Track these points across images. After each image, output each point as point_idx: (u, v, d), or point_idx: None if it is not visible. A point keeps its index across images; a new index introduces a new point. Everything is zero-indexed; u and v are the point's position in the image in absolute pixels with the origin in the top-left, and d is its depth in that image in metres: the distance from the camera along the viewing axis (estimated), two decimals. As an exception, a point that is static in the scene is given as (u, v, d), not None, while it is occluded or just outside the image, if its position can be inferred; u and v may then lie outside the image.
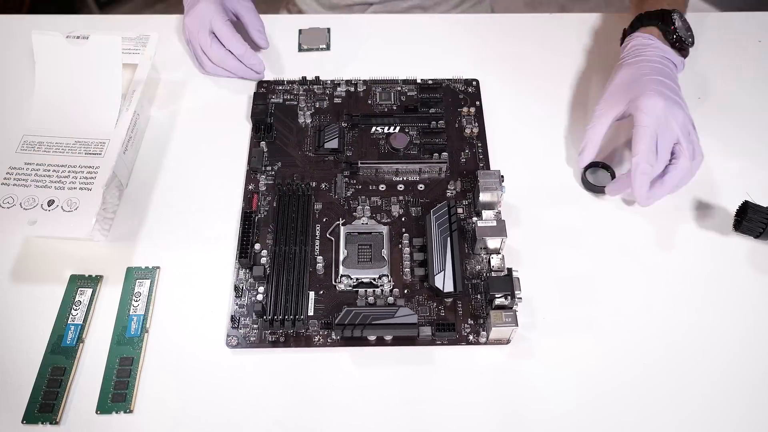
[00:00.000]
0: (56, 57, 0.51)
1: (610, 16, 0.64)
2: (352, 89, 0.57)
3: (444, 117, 0.55)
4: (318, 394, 0.43)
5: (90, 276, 0.48)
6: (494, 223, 0.46)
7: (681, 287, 0.47)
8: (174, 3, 1.66)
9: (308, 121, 0.55)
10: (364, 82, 0.58)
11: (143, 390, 0.43)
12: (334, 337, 0.44)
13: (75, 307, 0.46)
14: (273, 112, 0.56)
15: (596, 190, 0.51)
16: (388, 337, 0.44)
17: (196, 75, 0.61)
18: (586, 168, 0.51)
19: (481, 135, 0.54)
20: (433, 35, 0.63)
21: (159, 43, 0.56)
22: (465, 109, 0.56)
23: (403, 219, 0.49)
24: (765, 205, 0.47)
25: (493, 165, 0.53)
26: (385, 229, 0.48)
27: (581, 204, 0.51)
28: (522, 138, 0.55)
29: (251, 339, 0.44)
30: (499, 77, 0.59)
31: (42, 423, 0.42)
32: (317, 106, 0.56)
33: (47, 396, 0.42)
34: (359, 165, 0.51)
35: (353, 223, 0.49)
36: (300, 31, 0.64)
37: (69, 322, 0.46)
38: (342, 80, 0.58)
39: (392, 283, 0.46)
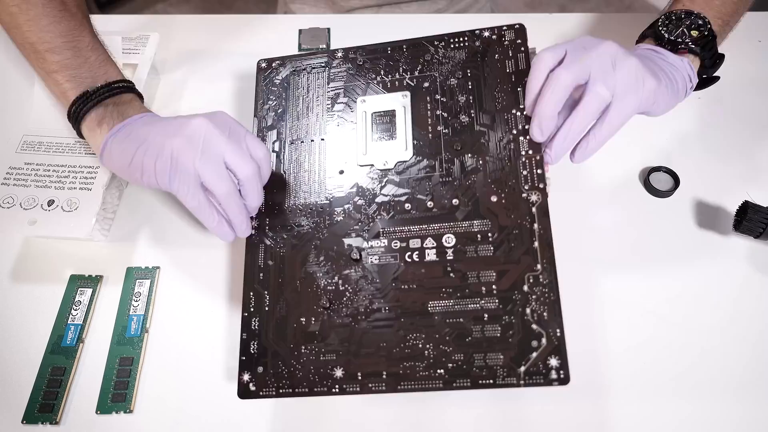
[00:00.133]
0: None
1: (610, 16, 0.64)
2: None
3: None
4: (325, 397, 0.43)
5: (90, 276, 0.48)
6: None
7: (681, 287, 0.47)
8: (174, 3, 1.66)
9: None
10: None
11: (143, 390, 0.43)
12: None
13: (75, 307, 0.46)
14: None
15: None
16: None
17: (196, 75, 0.61)
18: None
19: None
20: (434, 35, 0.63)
21: (159, 43, 0.56)
22: None
23: None
24: (765, 205, 0.47)
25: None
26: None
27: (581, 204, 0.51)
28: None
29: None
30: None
31: (42, 423, 0.42)
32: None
33: (47, 396, 0.42)
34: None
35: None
36: (300, 31, 0.64)
37: (69, 322, 0.46)
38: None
39: None
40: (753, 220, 0.47)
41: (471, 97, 0.44)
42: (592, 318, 0.45)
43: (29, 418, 0.42)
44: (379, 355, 0.38)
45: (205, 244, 0.50)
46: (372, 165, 0.44)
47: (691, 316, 0.45)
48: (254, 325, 0.41)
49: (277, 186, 0.45)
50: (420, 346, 0.38)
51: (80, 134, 0.46)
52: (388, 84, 0.47)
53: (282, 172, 0.45)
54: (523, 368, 0.36)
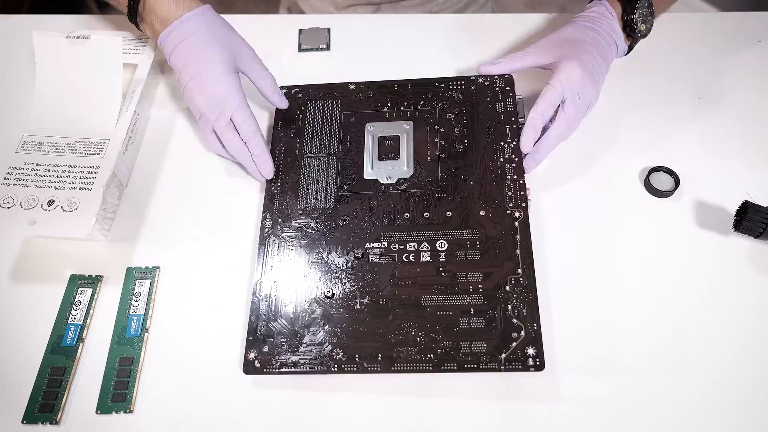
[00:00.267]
0: (57, 57, 0.51)
1: (610, 16, 0.64)
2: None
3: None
4: (323, 394, 0.43)
5: (90, 276, 0.48)
6: None
7: (681, 287, 0.47)
8: (174, 3, 1.66)
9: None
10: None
11: (143, 390, 0.43)
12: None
13: (75, 307, 0.46)
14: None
15: None
16: None
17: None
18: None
19: None
20: (434, 35, 0.63)
21: None
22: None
23: None
24: (765, 205, 0.47)
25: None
26: None
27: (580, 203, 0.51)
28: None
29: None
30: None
31: (42, 423, 0.42)
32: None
33: (47, 396, 0.42)
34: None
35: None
36: (300, 31, 0.64)
37: (69, 322, 0.46)
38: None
39: None
40: (753, 220, 0.47)
41: (465, 130, 0.51)
42: (591, 317, 0.45)
43: (29, 418, 0.42)
44: (375, 341, 0.42)
45: (205, 244, 0.50)
46: (377, 180, 0.49)
47: (691, 316, 0.45)
48: (262, 309, 0.44)
49: (291, 191, 0.50)
50: (413, 333, 0.42)
51: None
52: (394, 114, 0.53)
53: (296, 178, 0.51)
54: (504, 355, 0.41)
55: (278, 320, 0.44)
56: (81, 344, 0.45)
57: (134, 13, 0.52)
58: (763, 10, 0.64)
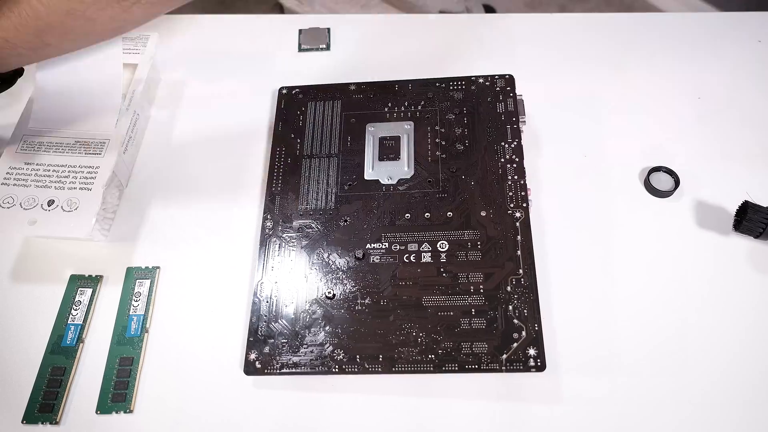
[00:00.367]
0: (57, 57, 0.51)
1: (610, 16, 0.64)
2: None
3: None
4: (324, 395, 0.43)
5: (90, 276, 0.48)
6: None
7: (680, 287, 0.47)
8: (174, 3, 1.66)
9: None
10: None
11: (143, 390, 0.43)
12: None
13: (75, 307, 0.46)
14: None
15: None
16: None
17: (196, 75, 0.61)
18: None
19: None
20: (434, 35, 0.63)
21: (159, 43, 0.56)
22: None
23: None
24: (765, 205, 0.47)
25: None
26: None
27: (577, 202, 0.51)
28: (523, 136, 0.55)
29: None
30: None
31: (42, 423, 0.42)
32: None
33: (47, 396, 0.42)
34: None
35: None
36: (300, 31, 0.64)
37: (69, 322, 0.46)
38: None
39: None
40: (753, 220, 0.47)
41: (466, 130, 0.51)
42: (591, 317, 0.45)
43: (29, 418, 0.42)
44: (376, 341, 0.42)
45: (206, 244, 0.50)
46: (377, 180, 0.49)
47: (691, 316, 0.45)
48: (263, 310, 0.44)
49: (292, 192, 0.50)
50: (414, 334, 0.42)
51: None
52: (395, 114, 0.53)
53: (296, 178, 0.50)
54: (505, 356, 0.41)
55: (279, 321, 0.44)
56: (81, 344, 0.45)
57: None
58: (763, 10, 0.64)
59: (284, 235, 0.47)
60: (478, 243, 0.45)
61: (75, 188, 0.47)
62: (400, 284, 0.44)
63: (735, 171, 0.52)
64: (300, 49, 0.63)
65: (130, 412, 0.42)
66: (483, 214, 0.46)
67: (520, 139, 0.49)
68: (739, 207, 0.48)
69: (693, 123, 0.55)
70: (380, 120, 0.53)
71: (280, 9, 0.89)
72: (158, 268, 0.48)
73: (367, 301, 0.44)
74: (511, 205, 0.46)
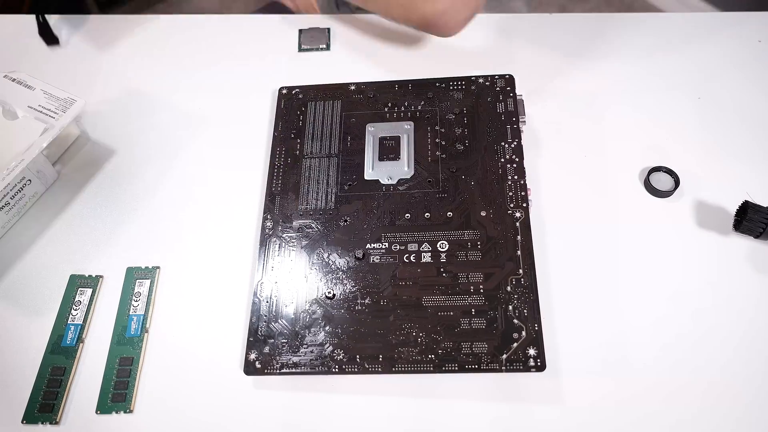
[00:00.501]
0: None
1: (610, 16, 0.64)
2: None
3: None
4: (324, 395, 0.43)
5: (90, 276, 0.48)
6: None
7: (680, 287, 0.47)
8: (174, 3, 1.66)
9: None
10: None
11: (143, 390, 0.43)
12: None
13: (75, 307, 0.46)
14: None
15: None
16: None
17: (196, 75, 0.61)
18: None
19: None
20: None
21: (82, 111, 0.52)
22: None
23: None
24: (765, 205, 0.47)
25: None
26: None
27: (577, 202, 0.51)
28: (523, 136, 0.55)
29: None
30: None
31: (42, 423, 0.42)
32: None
33: (47, 396, 0.42)
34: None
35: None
36: (300, 31, 0.64)
37: (69, 322, 0.46)
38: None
39: None
40: (753, 220, 0.47)
41: (466, 130, 0.51)
42: (591, 317, 0.45)
43: (29, 418, 0.42)
44: (376, 341, 0.42)
45: (205, 244, 0.50)
46: (377, 180, 0.49)
47: (691, 316, 0.45)
48: (263, 310, 0.44)
49: (292, 192, 0.50)
50: (414, 334, 0.42)
51: None
52: (395, 114, 0.53)
53: (296, 178, 0.51)
54: (504, 356, 0.41)
55: (279, 321, 0.44)
56: (81, 344, 0.45)
57: None
58: (763, 10, 0.64)
59: (284, 235, 0.47)
60: (478, 243, 0.45)
61: None
62: (400, 284, 0.44)
63: (735, 171, 0.52)
64: (300, 49, 0.63)
65: (130, 412, 0.42)
66: (483, 214, 0.46)
67: (520, 139, 0.49)
68: (739, 207, 0.48)
69: (693, 123, 0.55)
70: (380, 120, 0.53)
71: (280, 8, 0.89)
72: (158, 268, 0.48)
73: (367, 301, 0.44)
74: (511, 205, 0.46)
